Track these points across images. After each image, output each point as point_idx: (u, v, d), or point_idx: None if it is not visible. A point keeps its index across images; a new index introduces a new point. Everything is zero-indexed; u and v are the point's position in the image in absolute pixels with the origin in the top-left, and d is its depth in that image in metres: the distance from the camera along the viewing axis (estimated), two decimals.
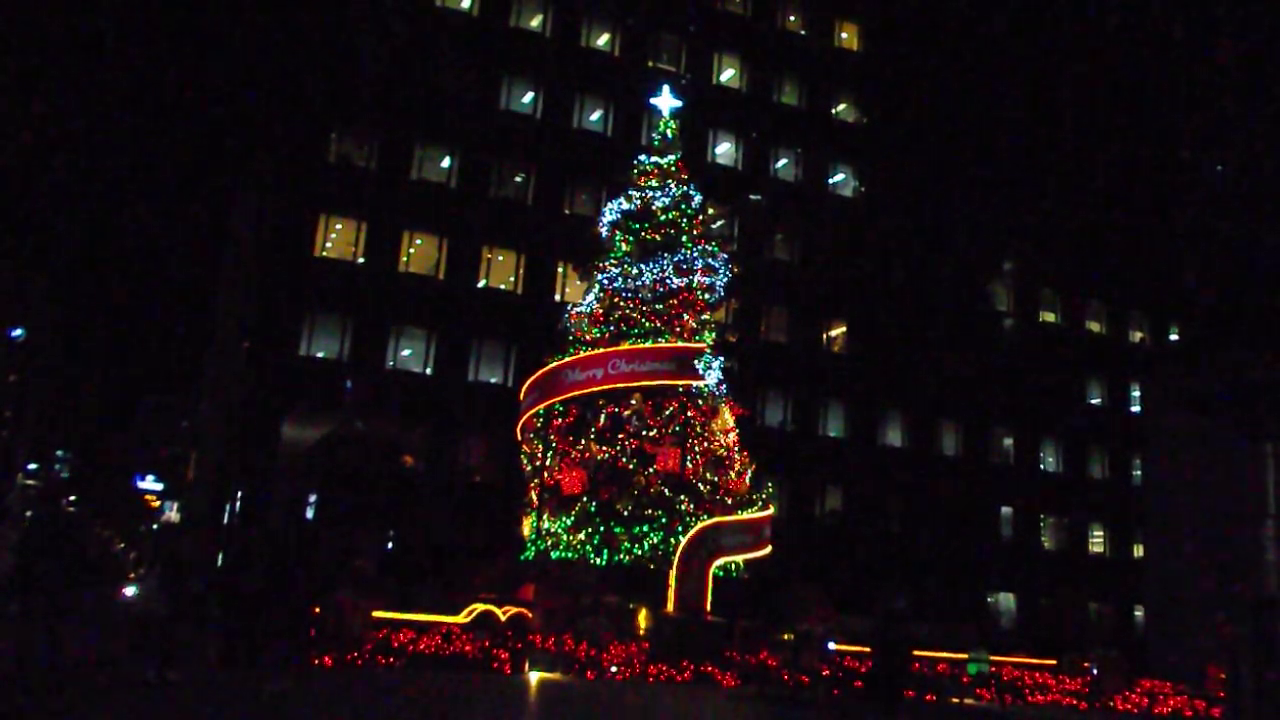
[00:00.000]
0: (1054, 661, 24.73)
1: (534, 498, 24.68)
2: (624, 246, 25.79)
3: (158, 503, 69.52)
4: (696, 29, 41.11)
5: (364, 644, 16.34)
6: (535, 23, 38.86)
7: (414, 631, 17.47)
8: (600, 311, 25.34)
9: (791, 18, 43.59)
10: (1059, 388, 45.24)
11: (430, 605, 19.89)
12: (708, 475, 24.01)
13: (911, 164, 43.37)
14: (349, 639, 16.24)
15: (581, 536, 23.35)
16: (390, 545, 32.71)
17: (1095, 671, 22.75)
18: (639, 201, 26.06)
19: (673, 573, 21.49)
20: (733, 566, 23.91)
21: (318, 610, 16.74)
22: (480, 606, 19.51)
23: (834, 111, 43.72)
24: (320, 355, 33.77)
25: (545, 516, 24.14)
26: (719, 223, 39.09)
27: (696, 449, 24.09)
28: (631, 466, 23.49)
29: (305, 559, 15.46)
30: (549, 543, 23.87)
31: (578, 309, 26.12)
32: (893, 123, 43.78)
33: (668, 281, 25.03)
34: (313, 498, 32.97)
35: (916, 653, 17.99)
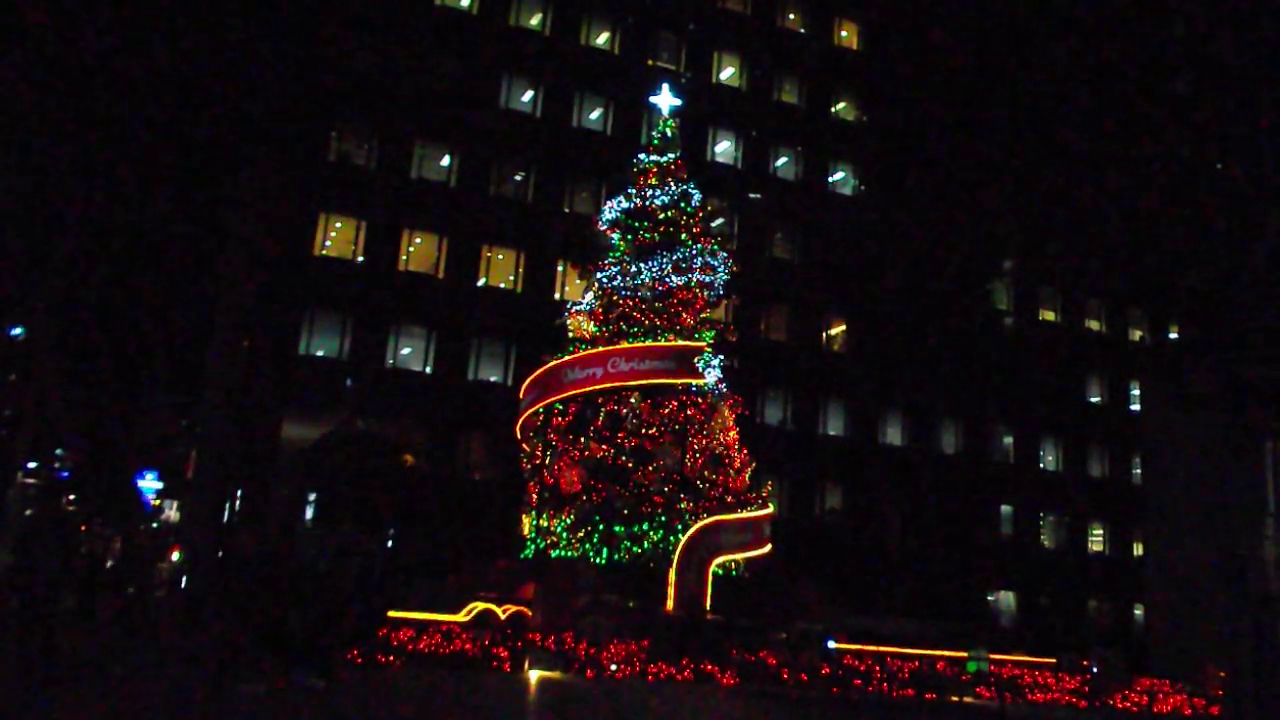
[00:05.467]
0: (1054, 660, 24.74)
1: (534, 496, 24.68)
2: (623, 245, 25.82)
3: (158, 501, 69.45)
4: (696, 27, 41.12)
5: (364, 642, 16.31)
6: (535, 21, 38.86)
7: (413, 630, 17.46)
8: (599, 310, 25.36)
9: (791, 16, 43.60)
10: (1059, 386, 45.24)
11: (430, 604, 19.89)
12: (707, 473, 24.02)
13: (911, 164, 43.36)
14: (349, 637, 16.22)
15: (581, 535, 23.36)
16: (390, 545, 32.71)
17: (1095, 670, 22.76)
18: (638, 200, 26.08)
19: (672, 571, 21.51)
20: (732, 565, 23.92)
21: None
22: (480, 605, 19.53)
23: (834, 110, 43.73)
24: (320, 354, 33.76)
25: (545, 515, 24.14)
26: (718, 221, 39.11)
27: (696, 447, 24.10)
28: (631, 465, 23.50)
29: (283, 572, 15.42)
30: (549, 541, 23.87)
31: (577, 307, 26.13)
32: (893, 123, 43.78)
33: (667, 280, 25.05)
34: (312, 497, 32.99)
35: None
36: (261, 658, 14.22)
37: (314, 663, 14.18)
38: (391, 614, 18.20)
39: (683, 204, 26.10)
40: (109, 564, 26.25)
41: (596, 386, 24.11)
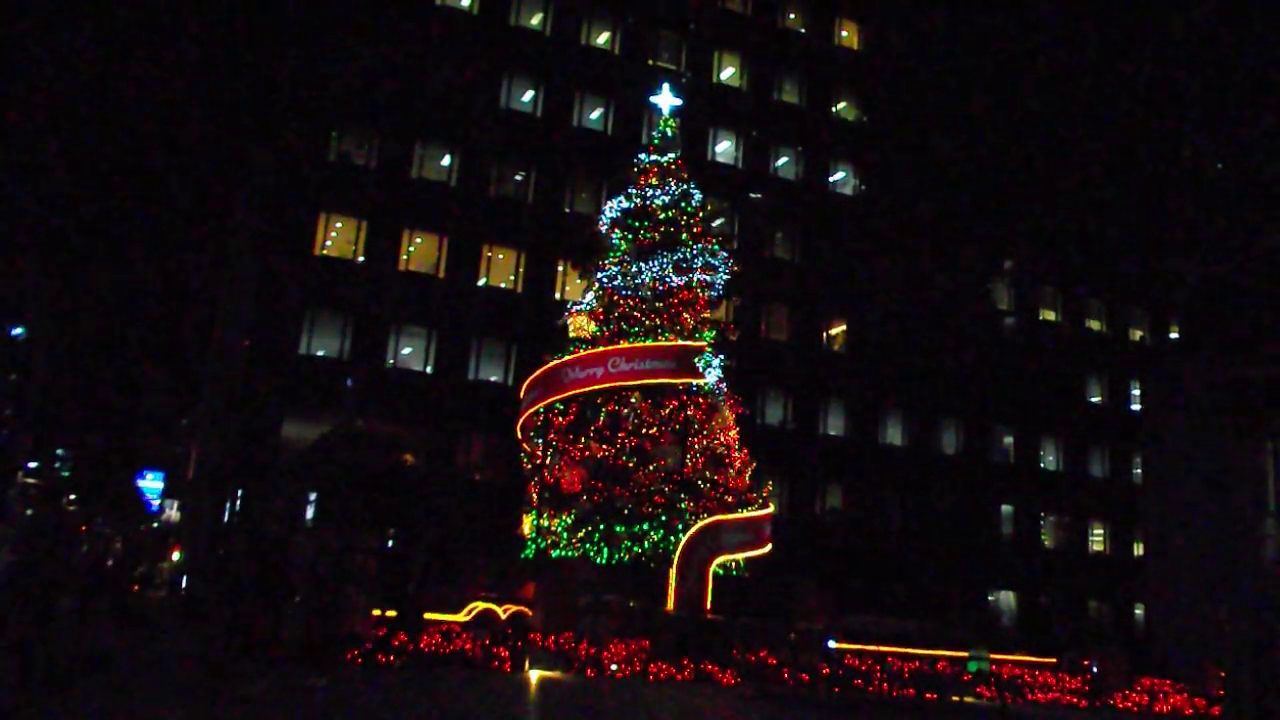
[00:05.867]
0: (1054, 660, 24.75)
1: (534, 496, 24.69)
2: (623, 245, 25.83)
3: (159, 501, 69.52)
4: (696, 27, 41.11)
5: (364, 642, 16.34)
6: (535, 21, 38.85)
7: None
8: (600, 310, 25.38)
9: (791, 16, 43.59)
10: (1059, 386, 45.24)
11: (430, 603, 19.90)
12: (708, 473, 24.03)
13: (911, 164, 43.37)
14: (350, 637, 16.24)
15: (581, 535, 23.37)
16: (390, 545, 32.67)
17: (1095, 669, 22.76)
18: (639, 200, 26.10)
19: (673, 571, 21.52)
20: (733, 565, 23.92)
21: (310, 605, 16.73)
22: (481, 605, 19.55)
23: (834, 110, 43.72)
24: (320, 354, 33.75)
25: (545, 515, 24.15)
26: (719, 221, 39.11)
27: (696, 447, 24.11)
28: (631, 465, 23.50)
29: (281, 565, 15.47)
30: (549, 541, 23.88)
31: (577, 307, 26.16)
32: (893, 122, 43.78)
33: (667, 280, 25.08)
34: (312, 497, 32.96)
35: None
36: (258, 657, 14.24)
37: (314, 663, 14.23)
38: (392, 614, 18.25)
39: (683, 204, 26.12)
40: (109, 564, 26.20)
41: (597, 386, 24.12)
